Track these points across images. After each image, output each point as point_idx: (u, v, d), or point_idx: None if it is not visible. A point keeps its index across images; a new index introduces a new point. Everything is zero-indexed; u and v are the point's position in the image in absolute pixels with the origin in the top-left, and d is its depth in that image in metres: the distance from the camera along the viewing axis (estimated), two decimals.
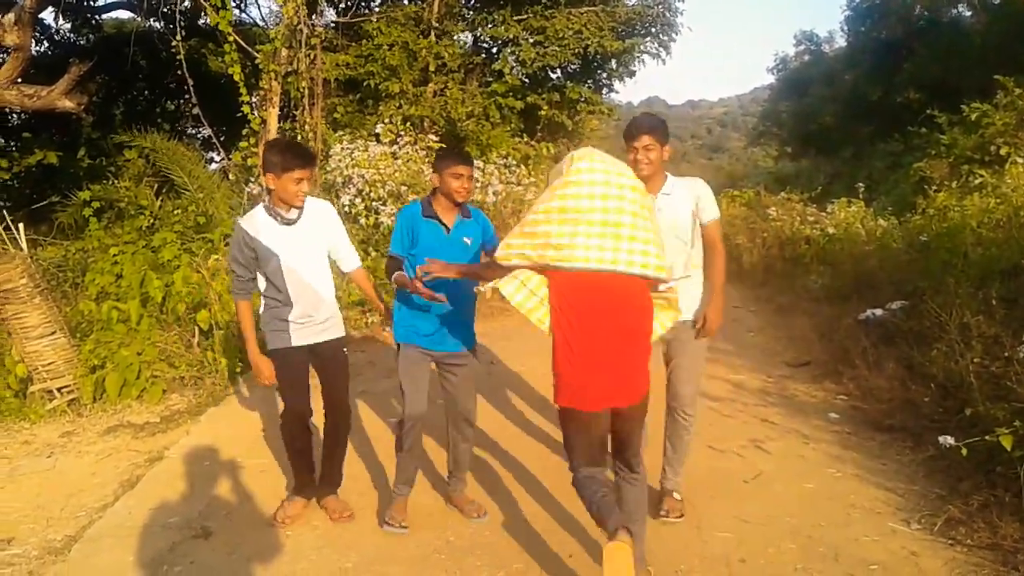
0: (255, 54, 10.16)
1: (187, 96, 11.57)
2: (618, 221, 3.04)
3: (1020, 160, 11.36)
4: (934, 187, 12.07)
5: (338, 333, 4.22)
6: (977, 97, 13.71)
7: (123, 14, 18.85)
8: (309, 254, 4.06)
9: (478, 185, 10.39)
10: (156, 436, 5.73)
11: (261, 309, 4.08)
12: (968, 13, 26.97)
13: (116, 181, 11.24)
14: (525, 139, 13.95)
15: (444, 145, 11.39)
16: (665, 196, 3.92)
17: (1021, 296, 5.84)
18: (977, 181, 11.00)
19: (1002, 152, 11.90)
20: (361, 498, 4.52)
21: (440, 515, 4.27)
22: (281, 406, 4.26)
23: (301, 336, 4.06)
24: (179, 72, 10.23)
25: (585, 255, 3.02)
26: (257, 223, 3.96)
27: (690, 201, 3.97)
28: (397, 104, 13.80)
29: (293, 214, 4.00)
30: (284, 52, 9.94)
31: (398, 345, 4.08)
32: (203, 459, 5.13)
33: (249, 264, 3.97)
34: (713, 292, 4.04)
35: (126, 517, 4.31)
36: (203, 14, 13.09)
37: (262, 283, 4.05)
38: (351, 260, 4.33)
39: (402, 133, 10.89)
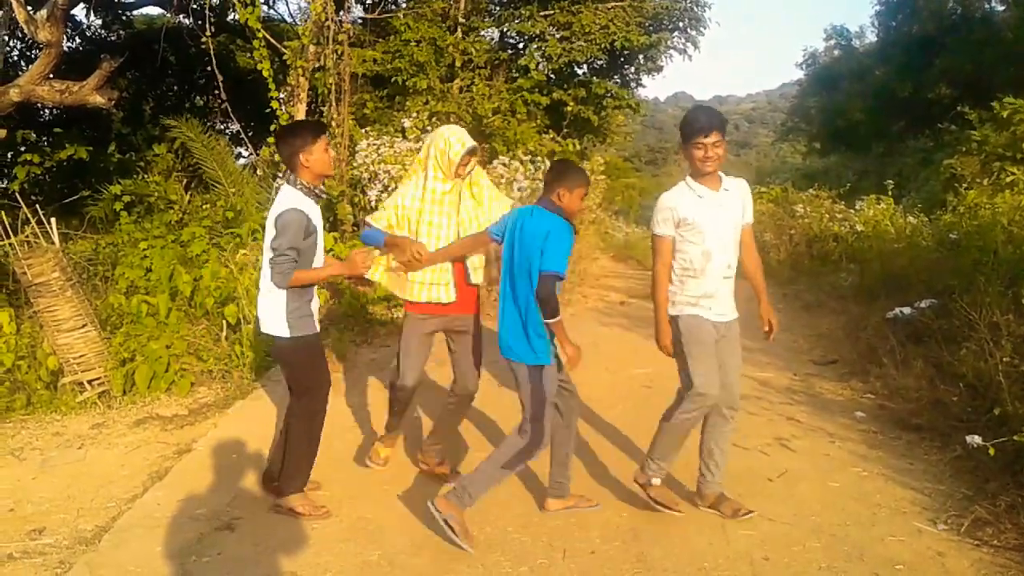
0: (283, 50, 10.23)
1: (216, 92, 11.69)
2: None
3: None
4: (965, 184, 11.94)
5: None
6: (1010, 93, 13.51)
7: (153, 10, 19.05)
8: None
9: (503, 181, 10.38)
10: (184, 429, 5.80)
11: (288, 299, 4.03)
12: (1001, 8, 26.57)
13: (146, 176, 11.37)
14: (551, 135, 13.89)
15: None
16: (725, 192, 3.98)
17: None
18: (1009, 178, 10.87)
19: None
20: (385, 488, 4.54)
21: (467, 512, 4.28)
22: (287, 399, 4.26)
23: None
24: (208, 68, 10.33)
25: None
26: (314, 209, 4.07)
27: (740, 201, 4.03)
28: (424, 100, 13.82)
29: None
30: (312, 48, 9.99)
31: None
32: (230, 452, 5.18)
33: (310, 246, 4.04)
34: (761, 292, 4.23)
35: (155, 508, 4.36)
36: (232, 10, 13.19)
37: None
38: None
39: (428, 128, 10.90)
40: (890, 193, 12.93)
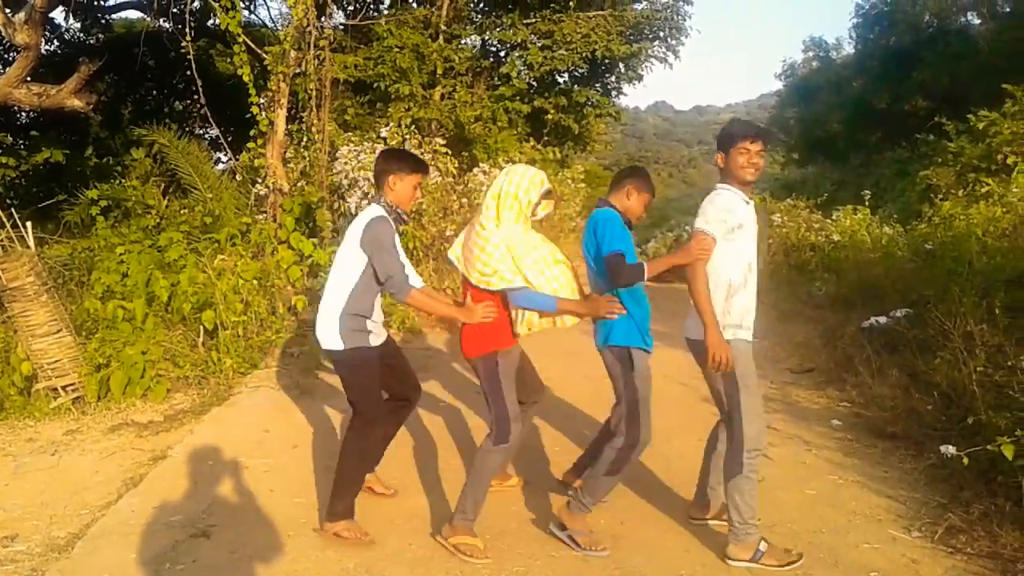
0: (264, 55, 10.19)
1: (195, 96, 11.64)
2: None
3: None
4: (940, 195, 12.07)
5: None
6: (985, 105, 13.69)
7: (133, 14, 18.95)
8: None
9: (484, 188, 10.39)
10: (160, 435, 5.74)
11: (344, 309, 3.99)
12: (977, 21, 26.97)
13: (123, 180, 11.28)
14: (532, 143, 13.94)
15: (449, 149, 11.40)
16: (750, 203, 3.86)
17: None
18: (983, 190, 10.99)
19: (1009, 161, 11.88)
20: (363, 496, 4.52)
21: (442, 517, 4.28)
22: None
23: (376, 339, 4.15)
24: (188, 72, 10.25)
25: None
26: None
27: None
28: (406, 106, 13.83)
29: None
30: (293, 53, 9.95)
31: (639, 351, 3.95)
32: (206, 459, 5.14)
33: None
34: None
35: (129, 515, 4.32)
36: (212, 15, 13.15)
37: (353, 280, 3.98)
38: None
39: (407, 136, 10.90)
40: (867, 203, 13.05)
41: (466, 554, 3.78)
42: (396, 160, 4.11)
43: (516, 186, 3.84)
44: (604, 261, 3.78)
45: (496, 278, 3.76)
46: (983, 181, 11.48)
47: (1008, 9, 24.71)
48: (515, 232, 3.82)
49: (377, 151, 10.20)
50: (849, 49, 34.38)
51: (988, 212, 9.21)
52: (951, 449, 4.56)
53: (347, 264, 3.96)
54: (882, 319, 7.45)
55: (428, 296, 4.03)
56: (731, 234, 3.66)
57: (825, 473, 4.91)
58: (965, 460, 4.11)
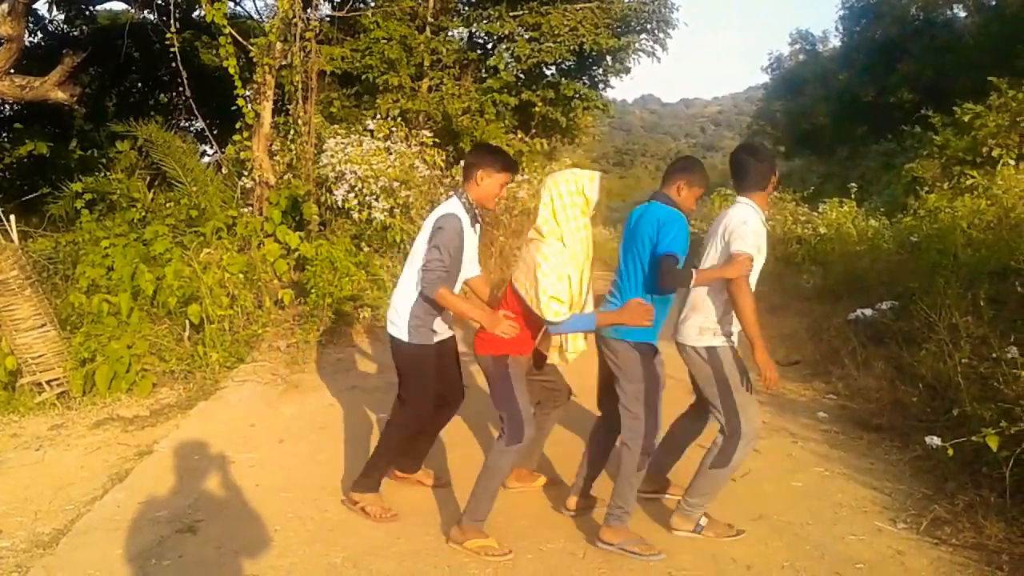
0: (249, 47, 10.12)
1: (181, 89, 11.55)
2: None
3: (1011, 162, 11.43)
4: (926, 188, 12.13)
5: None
6: (970, 98, 13.74)
7: (117, 5, 18.98)
8: None
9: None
10: (145, 430, 5.72)
11: (415, 302, 4.02)
12: (963, 14, 27.05)
13: (108, 173, 11.21)
14: (519, 135, 13.91)
15: (437, 140, 11.37)
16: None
17: (1009, 297, 5.89)
18: (968, 182, 11.06)
19: (994, 154, 11.95)
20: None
21: (430, 511, 4.28)
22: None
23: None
24: (173, 64, 10.16)
25: None
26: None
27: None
28: (395, 98, 13.77)
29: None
30: (279, 45, 9.89)
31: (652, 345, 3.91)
32: (192, 453, 5.12)
33: (456, 256, 3.98)
34: None
35: (114, 511, 4.30)
36: (197, 6, 13.04)
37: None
38: None
39: (394, 129, 10.86)
40: (853, 196, 13.10)
41: (488, 555, 3.77)
42: (488, 155, 4.05)
43: (577, 184, 3.75)
44: (658, 259, 3.68)
45: (556, 304, 3.63)
46: (968, 174, 11.54)
47: (994, 2, 24.81)
48: (575, 240, 3.75)
49: (364, 143, 10.22)
50: (835, 42, 34.48)
51: (973, 205, 9.27)
52: (936, 440, 4.61)
53: (419, 258, 3.97)
54: (868, 311, 7.49)
55: (457, 297, 3.98)
56: (757, 254, 3.79)
57: (811, 465, 4.94)
58: (950, 451, 4.14)
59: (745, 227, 3.75)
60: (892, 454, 5.11)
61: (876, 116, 26.84)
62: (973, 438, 4.04)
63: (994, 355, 5.08)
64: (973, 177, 11.13)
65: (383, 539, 3.96)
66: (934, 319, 5.74)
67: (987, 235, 7.84)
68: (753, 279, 3.80)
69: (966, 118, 13.13)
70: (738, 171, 3.97)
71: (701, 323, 3.89)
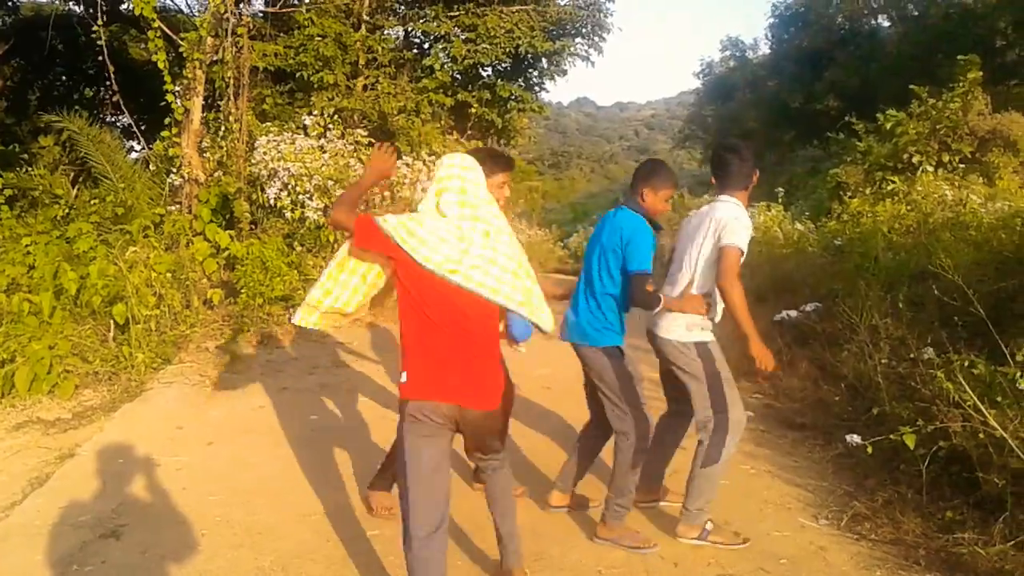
0: (179, 42, 9.93)
1: (107, 83, 11.28)
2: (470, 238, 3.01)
3: (930, 168, 11.83)
4: (849, 193, 12.46)
5: None
6: (893, 106, 14.13)
7: None
8: None
9: (407, 181, 10.33)
10: (68, 432, 5.56)
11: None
12: (887, 24, 27.94)
13: (30, 168, 10.85)
14: (455, 136, 13.92)
15: (372, 140, 11.29)
16: None
17: (927, 300, 6.09)
18: (890, 188, 11.40)
19: (914, 160, 12.31)
20: (277, 492, 4.48)
21: (363, 514, 4.26)
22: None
23: None
24: (99, 58, 9.91)
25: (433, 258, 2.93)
26: None
27: None
28: (330, 96, 13.65)
29: None
30: (210, 40, 9.72)
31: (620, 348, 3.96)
32: (117, 457, 5.00)
33: None
34: None
35: (35, 516, 4.18)
36: None
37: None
38: None
39: (331, 127, 10.77)
40: (780, 200, 13.40)
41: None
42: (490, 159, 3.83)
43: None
44: (629, 277, 3.79)
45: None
46: (889, 179, 11.89)
47: (916, 13, 25.67)
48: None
49: (297, 141, 10.11)
50: (765, 49, 35.28)
51: (894, 210, 9.56)
52: (857, 439, 4.77)
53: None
54: (793, 313, 7.67)
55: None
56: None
57: (737, 463, 5.04)
58: (869, 449, 4.27)
59: (737, 222, 3.77)
60: (815, 452, 5.27)
61: (803, 122, 27.53)
62: (891, 436, 4.17)
63: (912, 356, 5.27)
64: (894, 183, 11.48)
65: (312, 542, 3.93)
66: (856, 321, 5.92)
67: (907, 239, 8.10)
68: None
69: (888, 125, 13.48)
70: (720, 169, 4.00)
71: (690, 319, 3.89)
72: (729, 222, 3.77)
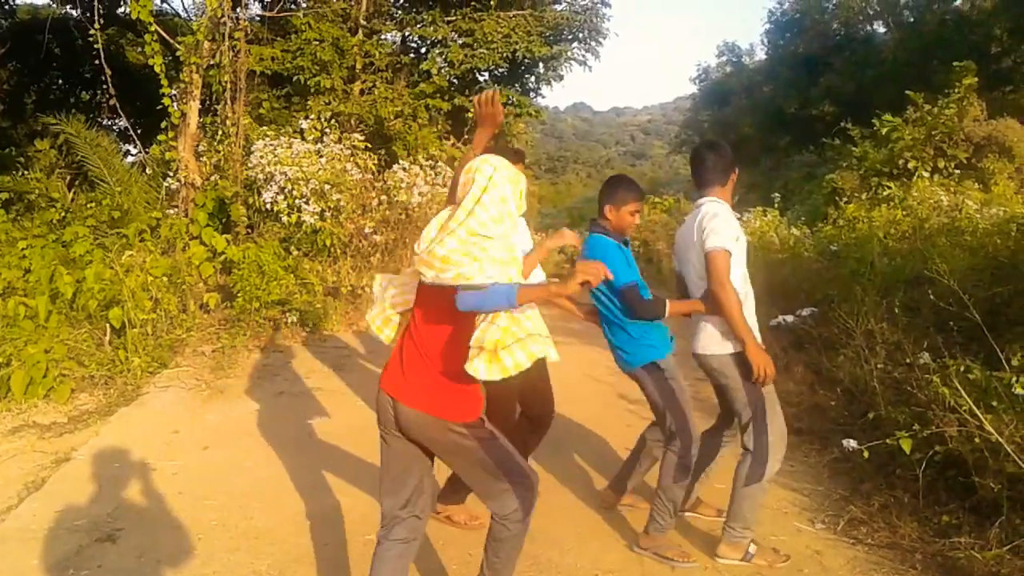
0: (176, 46, 9.94)
1: (104, 86, 11.28)
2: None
3: (926, 174, 11.88)
4: (845, 198, 12.51)
5: None
6: (888, 111, 14.18)
7: (38, 0, 18.24)
8: None
9: (403, 185, 10.34)
10: (63, 437, 5.55)
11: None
12: (882, 30, 28.05)
13: (26, 172, 10.87)
14: (452, 141, 13.91)
15: (369, 144, 11.30)
16: None
17: (923, 305, 6.10)
18: (885, 193, 11.44)
19: (910, 166, 12.38)
20: (275, 496, 4.47)
21: (360, 518, 4.25)
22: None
23: None
24: (96, 62, 9.91)
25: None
26: None
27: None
28: (326, 100, 13.66)
29: None
30: (207, 44, 9.74)
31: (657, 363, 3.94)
32: (113, 461, 4.99)
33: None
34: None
35: (30, 520, 4.17)
36: (123, 2, 12.75)
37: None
38: None
39: (327, 131, 10.78)
40: (776, 205, 13.44)
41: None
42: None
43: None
44: (620, 294, 3.83)
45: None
46: (885, 185, 11.95)
47: (912, 19, 25.77)
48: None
49: (294, 145, 10.11)
50: (761, 55, 35.47)
51: (889, 215, 9.60)
52: (853, 443, 4.77)
53: None
54: (789, 318, 7.69)
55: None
56: (736, 244, 3.70)
57: (733, 468, 5.03)
58: (866, 453, 4.26)
59: (716, 220, 3.65)
60: (811, 456, 5.26)
61: (799, 128, 27.63)
62: (888, 441, 4.17)
63: (908, 360, 5.28)
64: (890, 188, 11.53)
65: (308, 547, 3.92)
66: (852, 326, 5.93)
67: (902, 244, 8.12)
68: (740, 267, 3.76)
69: (884, 131, 13.54)
70: (697, 167, 3.90)
71: (722, 328, 3.74)
72: (708, 223, 3.65)
